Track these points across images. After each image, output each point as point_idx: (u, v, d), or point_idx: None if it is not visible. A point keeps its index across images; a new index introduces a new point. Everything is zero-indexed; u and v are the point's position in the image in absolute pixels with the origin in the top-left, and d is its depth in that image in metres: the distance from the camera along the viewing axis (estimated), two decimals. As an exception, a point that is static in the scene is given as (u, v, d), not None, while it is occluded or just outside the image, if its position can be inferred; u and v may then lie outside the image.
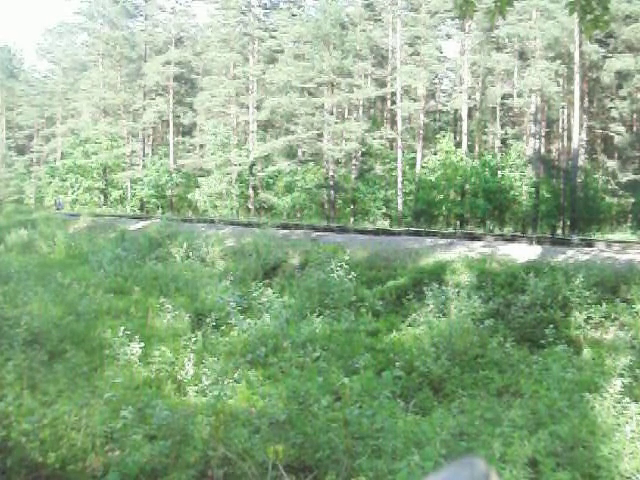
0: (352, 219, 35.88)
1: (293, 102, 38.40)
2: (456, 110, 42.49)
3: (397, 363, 7.94)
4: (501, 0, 5.17)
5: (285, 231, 20.57)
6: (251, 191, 39.91)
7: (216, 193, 41.09)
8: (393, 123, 39.88)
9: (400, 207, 34.00)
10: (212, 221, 26.95)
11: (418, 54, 38.26)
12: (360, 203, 37.36)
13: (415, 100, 39.43)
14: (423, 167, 35.81)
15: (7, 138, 66.02)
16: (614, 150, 38.96)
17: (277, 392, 6.72)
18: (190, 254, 16.92)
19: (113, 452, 5.30)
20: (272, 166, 40.37)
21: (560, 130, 38.49)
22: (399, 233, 20.97)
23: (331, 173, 37.21)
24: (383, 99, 44.55)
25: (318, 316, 10.59)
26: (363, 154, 38.64)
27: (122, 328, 8.44)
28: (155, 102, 46.94)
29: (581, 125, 31.73)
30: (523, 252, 14.03)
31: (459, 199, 32.09)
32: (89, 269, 15.86)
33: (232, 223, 25.92)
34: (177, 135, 51.20)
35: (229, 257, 17.21)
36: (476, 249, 14.89)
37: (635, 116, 38.12)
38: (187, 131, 54.38)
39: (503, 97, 39.51)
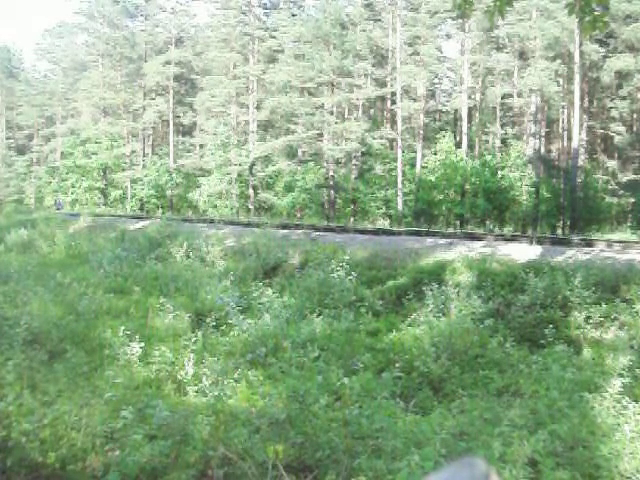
0: (352, 219, 35.87)
1: (293, 102, 38.39)
2: (456, 110, 42.49)
3: (397, 363, 7.94)
4: (500, 0, 5.17)
5: (285, 231, 20.57)
6: (251, 191, 39.91)
7: (216, 193, 41.10)
8: (393, 123, 39.89)
9: (400, 207, 34.00)
10: (212, 221, 26.96)
11: (418, 54, 38.26)
12: (360, 203, 37.36)
13: (415, 100, 39.43)
14: (423, 167, 35.81)
15: (7, 138, 66.01)
16: (614, 150, 38.95)
17: (277, 392, 6.71)
18: (190, 254, 16.92)
19: (113, 452, 5.29)
20: (272, 166, 40.37)
21: (560, 130, 38.47)
22: (399, 233, 20.99)
23: (331, 173, 37.21)
24: (383, 99, 44.56)
25: (318, 316, 10.59)
26: (363, 154, 38.63)
27: (122, 328, 8.44)
28: (155, 102, 46.95)
29: (581, 125, 31.72)
30: (523, 252, 14.03)
31: (459, 199, 32.07)
32: (89, 269, 15.86)
33: (232, 223, 25.93)
34: (177, 135, 51.21)
35: (229, 257, 17.21)
36: (476, 249, 14.90)
37: (635, 116, 38.12)
38: (187, 131, 54.39)
39: (503, 97, 39.52)
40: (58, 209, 41.37)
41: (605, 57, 34.07)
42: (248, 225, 23.87)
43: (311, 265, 14.33)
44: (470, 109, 39.16)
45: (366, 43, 40.12)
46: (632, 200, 33.21)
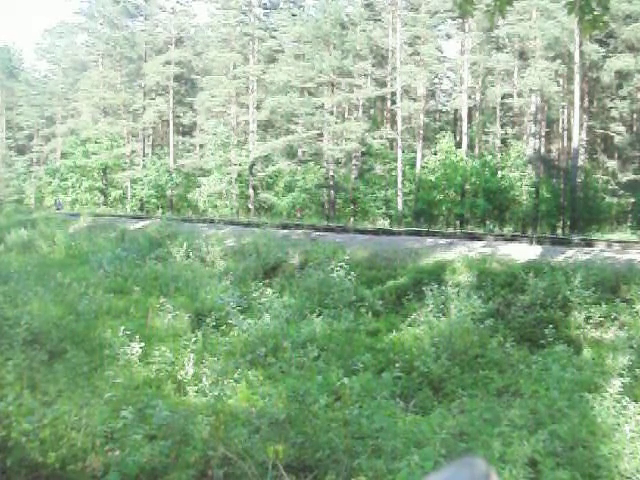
0: (352, 219, 35.87)
1: (293, 102, 38.39)
2: (456, 110, 42.49)
3: (397, 363, 7.94)
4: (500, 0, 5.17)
5: (285, 231, 20.58)
6: (251, 191, 39.91)
7: (216, 193, 41.10)
8: (393, 123, 39.87)
9: (400, 207, 34.00)
10: (212, 221, 26.97)
11: (418, 54, 38.25)
12: (360, 203, 37.36)
13: (415, 100, 39.43)
14: (423, 167, 35.81)
15: (7, 138, 66.00)
16: (614, 150, 38.94)
17: (277, 392, 6.72)
18: (190, 254, 16.92)
19: (113, 452, 5.29)
20: (272, 166, 40.37)
21: (560, 130, 38.47)
22: (399, 233, 20.99)
23: (331, 173, 37.20)
24: (383, 99, 44.55)
25: (318, 316, 10.59)
26: (363, 154, 38.62)
27: (122, 328, 8.45)
28: (155, 102, 46.94)
29: (581, 125, 31.71)
30: (523, 252, 14.03)
31: (459, 199, 32.08)
32: (89, 269, 15.86)
33: (232, 223, 25.93)
34: (177, 135, 51.20)
35: (229, 257, 17.21)
36: (476, 249, 14.89)
37: (635, 116, 38.11)
38: (187, 131, 54.38)
39: (503, 97, 39.50)
40: (58, 209, 41.36)
41: (605, 57, 34.06)
42: (248, 225, 23.87)
43: (311, 265, 14.33)
44: (470, 109, 39.14)
45: (366, 43, 40.10)
46: (632, 200, 33.23)
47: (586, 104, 36.77)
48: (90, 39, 52.32)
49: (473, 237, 19.14)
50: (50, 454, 5.01)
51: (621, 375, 6.78)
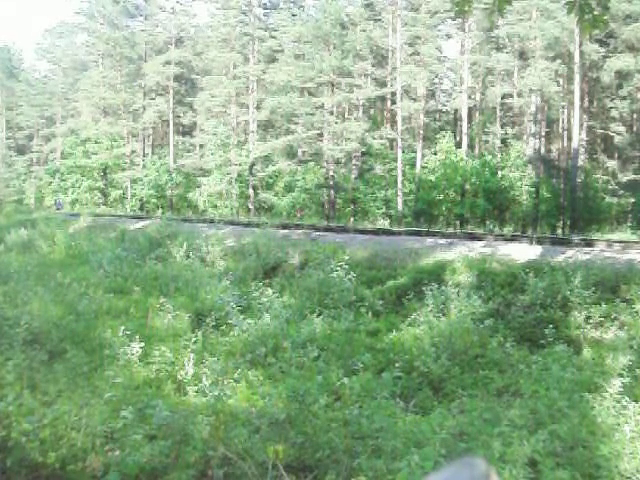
0: (352, 219, 35.86)
1: (293, 102, 38.39)
2: (456, 110, 42.49)
3: (397, 363, 7.94)
4: None
5: (285, 231, 20.58)
6: (251, 191, 39.91)
7: (216, 193, 41.10)
8: (393, 123, 39.87)
9: (400, 207, 34.00)
10: (212, 221, 26.96)
11: (418, 54, 38.24)
12: (360, 203, 37.35)
13: (415, 100, 39.41)
14: (423, 167, 35.79)
15: (7, 138, 65.97)
16: (614, 150, 38.92)
17: (277, 392, 6.72)
18: (190, 254, 16.92)
19: (113, 452, 5.29)
20: (272, 166, 40.36)
21: (560, 130, 38.46)
22: (399, 233, 20.99)
23: (331, 173, 37.19)
24: (383, 99, 44.54)
25: (318, 316, 10.59)
26: (363, 154, 38.61)
27: (122, 328, 8.45)
28: (155, 102, 46.95)
29: (581, 125, 31.70)
30: (523, 252, 14.03)
31: (459, 199, 32.07)
32: (89, 269, 15.85)
33: (232, 223, 25.94)
34: (177, 135, 51.19)
35: (229, 257, 17.21)
36: (476, 249, 14.90)
37: (635, 116, 38.09)
38: (187, 131, 54.36)
39: (503, 97, 39.49)
40: (58, 209, 41.35)
41: (605, 57, 34.05)
42: (248, 225, 23.88)
43: (311, 265, 14.34)
44: (470, 109, 39.14)
45: (366, 43, 40.09)
46: (632, 200, 33.19)
47: (586, 104, 36.76)
48: (90, 39, 52.28)
49: (473, 237, 19.15)
50: (50, 454, 5.01)
51: (621, 375, 6.77)
